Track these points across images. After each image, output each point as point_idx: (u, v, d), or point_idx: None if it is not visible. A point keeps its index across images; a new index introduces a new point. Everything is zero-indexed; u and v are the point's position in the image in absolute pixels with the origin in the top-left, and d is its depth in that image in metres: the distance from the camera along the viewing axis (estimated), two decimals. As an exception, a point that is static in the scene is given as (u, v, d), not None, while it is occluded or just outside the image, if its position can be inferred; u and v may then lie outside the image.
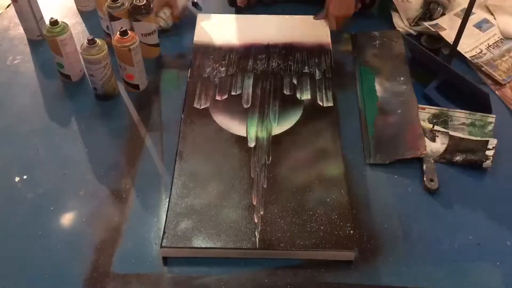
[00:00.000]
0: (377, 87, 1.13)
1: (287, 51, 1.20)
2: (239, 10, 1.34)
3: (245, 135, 1.00)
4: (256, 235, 0.84)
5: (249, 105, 1.07)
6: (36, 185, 0.95)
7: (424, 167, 0.97)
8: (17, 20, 1.25)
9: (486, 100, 1.07)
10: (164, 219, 0.87)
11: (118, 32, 1.04)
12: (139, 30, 1.14)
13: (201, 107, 1.06)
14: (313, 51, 1.20)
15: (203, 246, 0.83)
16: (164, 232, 0.84)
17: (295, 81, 1.12)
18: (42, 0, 1.25)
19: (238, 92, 1.09)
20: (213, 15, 1.30)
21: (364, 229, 0.89)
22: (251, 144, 0.99)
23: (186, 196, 0.90)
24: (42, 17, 1.24)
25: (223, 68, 1.15)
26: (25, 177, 0.96)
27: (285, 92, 1.10)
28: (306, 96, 1.09)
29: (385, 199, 0.94)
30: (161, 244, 0.83)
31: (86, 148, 1.02)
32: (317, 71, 1.15)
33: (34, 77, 1.18)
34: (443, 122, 1.06)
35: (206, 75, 1.13)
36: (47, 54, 1.20)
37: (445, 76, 1.12)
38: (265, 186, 0.92)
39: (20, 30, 1.26)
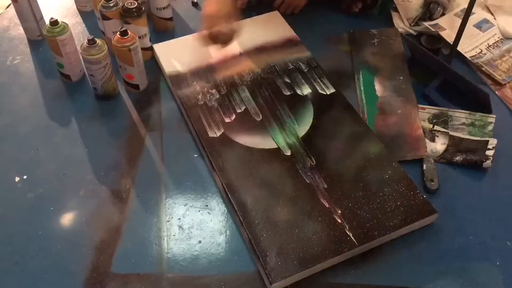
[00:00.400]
0: (377, 87, 1.12)
1: (261, 54, 1.16)
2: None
3: (276, 146, 0.98)
4: (348, 234, 0.84)
5: (261, 117, 1.03)
6: (36, 185, 0.95)
7: (424, 167, 0.97)
8: (17, 20, 1.25)
9: (486, 100, 1.07)
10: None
11: (118, 32, 1.04)
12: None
13: (218, 135, 1.00)
14: (285, 47, 1.18)
15: (310, 266, 0.80)
16: (265, 268, 0.80)
17: (287, 80, 1.11)
18: (42, 0, 1.25)
19: (242, 108, 1.05)
20: (168, 42, 1.20)
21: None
22: (287, 152, 0.96)
23: (262, 229, 0.85)
24: (42, 17, 1.24)
25: (214, 90, 1.08)
26: (25, 177, 0.96)
27: (284, 92, 1.08)
28: (306, 90, 1.08)
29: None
30: (269, 281, 0.79)
31: (86, 148, 1.02)
32: (300, 64, 1.14)
33: (34, 77, 1.18)
34: (443, 122, 1.06)
35: (202, 102, 1.06)
36: (47, 54, 1.20)
37: (445, 76, 1.12)
38: (325, 186, 0.91)
39: (20, 30, 1.26)
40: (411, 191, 0.89)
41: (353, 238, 0.83)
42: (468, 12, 1.12)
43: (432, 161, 0.98)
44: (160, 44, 1.20)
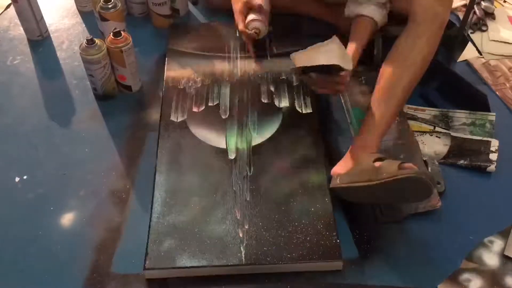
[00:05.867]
0: None
1: (264, 59, 1.16)
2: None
3: (225, 147, 0.98)
4: (242, 250, 0.82)
5: (227, 116, 1.03)
6: (36, 185, 0.95)
7: (429, 169, 0.97)
8: (17, 20, 1.25)
9: (484, 101, 1.07)
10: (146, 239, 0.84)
11: (111, 33, 1.04)
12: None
13: (178, 120, 1.03)
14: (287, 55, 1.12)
15: (188, 266, 0.81)
16: (146, 253, 0.81)
17: (272, 89, 1.09)
18: (42, 0, 1.25)
19: (215, 103, 1.06)
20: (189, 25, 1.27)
21: (364, 229, 0.89)
22: (232, 156, 0.96)
23: (168, 214, 0.87)
24: (42, 17, 1.24)
25: (199, 78, 1.11)
26: (25, 177, 0.96)
27: (263, 100, 1.07)
28: (284, 103, 1.06)
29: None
30: (144, 266, 0.80)
31: (86, 148, 1.02)
32: (293, 77, 1.11)
33: (34, 77, 1.17)
34: (444, 123, 1.06)
35: (182, 87, 1.09)
36: (47, 54, 1.20)
37: (444, 77, 1.12)
38: (248, 199, 0.89)
39: (20, 30, 1.26)
40: (328, 231, 0.84)
41: (243, 256, 0.81)
42: (468, 12, 1.12)
43: (437, 163, 0.98)
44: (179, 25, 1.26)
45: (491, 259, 0.86)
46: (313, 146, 0.98)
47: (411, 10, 0.92)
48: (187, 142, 0.99)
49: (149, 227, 0.85)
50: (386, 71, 0.93)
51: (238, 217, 0.87)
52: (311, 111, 1.04)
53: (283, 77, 1.12)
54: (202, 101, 1.07)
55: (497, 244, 0.88)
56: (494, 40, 1.27)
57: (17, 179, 0.96)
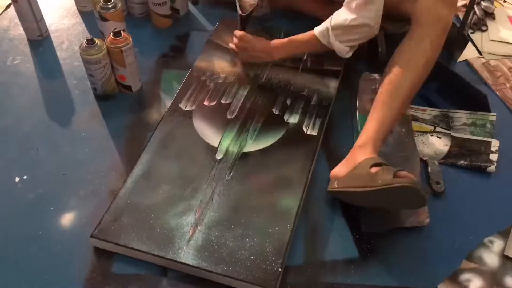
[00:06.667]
0: None
1: (294, 70, 1.14)
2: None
3: (217, 146, 0.98)
4: (184, 248, 0.82)
5: (233, 116, 1.04)
6: (36, 185, 0.95)
7: (429, 169, 0.97)
8: (17, 20, 1.25)
9: (484, 101, 1.07)
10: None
11: (111, 33, 1.04)
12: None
13: (186, 109, 1.04)
14: (320, 75, 1.13)
15: (129, 246, 0.82)
16: (99, 222, 0.84)
17: (288, 102, 1.07)
18: (42, 0, 1.25)
19: (228, 101, 1.06)
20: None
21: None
22: (219, 156, 0.96)
23: (136, 193, 0.89)
24: (42, 17, 1.24)
25: (223, 75, 1.12)
26: (25, 177, 0.96)
27: (274, 111, 1.05)
28: (293, 119, 1.03)
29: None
30: (91, 233, 0.83)
31: (86, 148, 1.02)
32: (314, 96, 1.09)
33: (34, 77, 1.17)
34: (444, 123, 1.06)
35: (204, 78, 1.12)
36: (47, 54, 1.20)
37: (445, 77, 1.12)
38: (213, 201, 0.89)
39: (20, 30, 1.26)
40: (274, 257, 0.81)
41: (182, 254, 0.81)
42: (468, 13, 1.12)
43: (437, 163, 0.98)
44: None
45: (491, 259, 0.86)
46: (300, 171, 0.94)
47: (415, 12, 0.92)
48: (184, 131, 1.00)
49: (114, 198, 0.88)
50: (389, 74, 0.93)
51: (196, 216, 0.86)
52: (316, 134, 1.01)
53: (304, 93, 1.09)
54: (216, 96, 1.08)
55: (497, 244, 0.88)
56: (494, 40, 1.27)
57: (17, 179, 0.96)
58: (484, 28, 1.30)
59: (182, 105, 1.05)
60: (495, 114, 1.06)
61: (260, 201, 0.90)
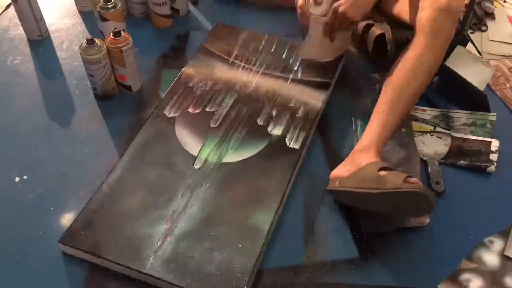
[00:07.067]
0: None
1: (283, 82, 1.11)
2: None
3: (196, 155, 0.96)
4: (150, 259, 0.80)
5: (216, 125, 1.01)
6: (36, 185, 0.95)
7: (429, 169, 0.97)
8: (17, 20, 1.25)
9: (484, 101, 1.07)
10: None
11: (111, 33, 1.04)
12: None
13: (169, 115, 1.03)
14: (310, 87, 1.10)
15: (96, 254, 0.81)
16: (69, 226, 0.84)
17: (274, 113, 1.04)
18: (42, 0, 1.25)
19: (212, 109, 1.04)
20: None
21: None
22: (197, 165, 0.94)
23: (110, 198, 0.88)
24: (42, 17, 1.23)
25: (211, 82, 1.09)
26: (25, 177, 0.96)
27: (258, 121, 1.02)
28: (276, 131, 1.00)
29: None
30: (60, 238, 0.83)
31: (86, 148, 1.02)
32: (302, 107, 1.05)
33: (34, 77, 1.17)
34: (444, 123, 1.06)
35: (191, 84, 1.09)
36: (47, 54, 1.20)
37: (445, 77, 1.12)
38: (186, 212, 0.87)
39: (20, 30, 1.26)
40: (242, 273, 0.79)
41: (147, 264, 0.79)
42: (468, 13, 1.12)
43: (437, 163, 0.98)
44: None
45: (491, 259, 0.86)
46: (277, 186, 0.91)
47: (419, 23, 0.92)
48: (165, 138, 0.99)
49: (87, 202, 0.87)
50: (392, 80, 0.94)
51: (167, 226, 0.85)
52: (298, 147, 0.98)
53: (291, 104, 1.06)
54: (201, 104, 1.05)
55: (497, 244, 0.88)
56: (494, 40, 1.27)
57: (17, 179, 0.96)
58: (484, 28, 1.30)
59: (166, 111, 1.03)
60: (495, 114, 1.06)
61: (233, 214, 0.87)
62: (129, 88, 1.11)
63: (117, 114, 1.09)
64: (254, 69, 1.14)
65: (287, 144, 0.98)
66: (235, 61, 1.15)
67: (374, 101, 0.96)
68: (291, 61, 1.15)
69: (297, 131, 1.01)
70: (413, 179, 0.81)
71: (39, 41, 1.25)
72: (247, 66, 1.14)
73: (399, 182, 0.79)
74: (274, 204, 0.88)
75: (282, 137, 1.00)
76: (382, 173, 0.83)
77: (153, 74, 1.17)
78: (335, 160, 0.98)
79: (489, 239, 0.88)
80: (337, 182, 0.90)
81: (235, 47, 1.19)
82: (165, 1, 1.24)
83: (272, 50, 1.17)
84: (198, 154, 0.96)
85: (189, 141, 0.98)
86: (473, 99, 1.08)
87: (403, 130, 1.02)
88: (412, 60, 0.92)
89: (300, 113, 1.04)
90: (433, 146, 1.02)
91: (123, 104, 1.11)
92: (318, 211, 0.92)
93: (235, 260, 0.81)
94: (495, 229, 0.90)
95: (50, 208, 0.91)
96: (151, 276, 0.79)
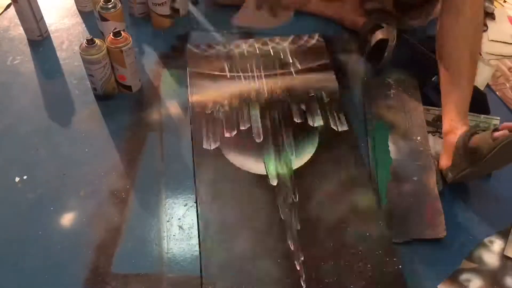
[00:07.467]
0: (391, 147, 1.00)
1: (287, 75, 1.12)
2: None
3: (265, 173, 0.94)
4: (302, 285, 0.78)
5: (261, 139, 0.99)
6: (36, 185, 0.95)
7: None
8: (17, 20, 1.25)
9: (483, 100, 1.07)
10: (198, 265, 0.81)
11: (111, 33, 1.04)
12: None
13: (212, 148, 0.98)
14: (315, 72, 1.12)
15: None
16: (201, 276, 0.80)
17: (303, 107, 1.05)
18: (42, 0, 1.25)
19: (247, 126, 1.02)
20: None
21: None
22: (274, 182, 0.92)
23: (217, 251, 0.83)
24: (42, 17, 1.23)
25: (226, 101, 1.07)
26: (25, 177, 0.96)
27: (295, 120, 1.02)
28: (318, 122, 1.02)
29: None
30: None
31: (86, 148, 1.02)
32: (323, 93, 1.07)
33: (34, 77, 1.17)
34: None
35: (209, 111, 1.05)
36: (47, 54, 1.20)
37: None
38: (298, 228, 0.85)
39: (20, 30, 1.26)
40: (388, 257, 0.80)
41: None
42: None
43: (437, 163, 0.98)
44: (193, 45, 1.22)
45: (491, 259, 0.86)
46: (355, 166, 0.94)
47: None
48: (225, 170, 0.94)
49: (200, 269, 0.82)
50: (443, 56, 0.95)
51: (292, 249, 0.82)
52: (347, 128, 1.00)
53: (312, 94, 1.07)
54: (233, 125, 1.02)
55: (497, 244, 0.88)
56: (494, 40, 1.27)
57: (17, 179, 0.96)
58: (484, 28, 1.30)
59: (205, 146, 0.98)
60: (498, 118, 1.05)
61: (339, 209, 0.87)
62: (129, 88, 1.11)
63: (117, 114, 1.08)
64: (255, 75, 1.13)
65: (337, 130, 1.01)
66: (233, 74, 1.14)
67: (390, 107, 1.00)
68: (282, 55, 1.15)
69: (335, 114, 1.04)
70: (498, 133, 0.83)
71: (39, 41, 1.25)
72: (246, 74, 1.13)
73: (491, 143, 0.82)
74: (366, 183, 0.92)
75: (327, 126, 1.02)
76: (473, 143, 0.86)
77: (153, 74, 1.17)
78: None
79: (489, 239, 0.88)
80: (449, 172, 0.92)
81: (221, 61, 1.17)
82: (165, 1, 1.24)
83: (257, 52, 1.17)
84: (267, 172, 0.94)
85: (248, 163, 0.96)
86: (473, 98, 1.08)
87: (419, 138, 1.01)
88: (453, 27, 0.93)
89: (325, 99, 1.07)
90: (434, 146, 1.01)
91: (123, 104, 1.11)
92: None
93: (375, 248, 0.82)
94: (495, 229, 0.90)
95: (50, 208, 0.91)
96: None
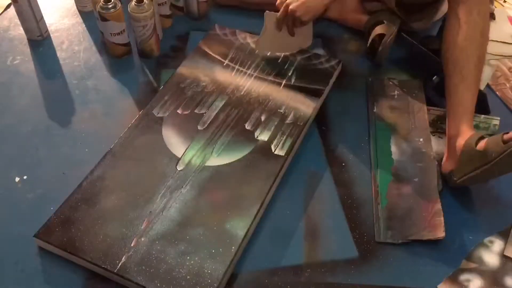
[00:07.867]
0: (393, 148, 1.00)
1: (275, 87, 1.10)
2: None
3: (180, 156, 0.95)
4: (122, 259, 0.80)
5: (203, 128, 1.00)
6: (36, 185, 0.95)
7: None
8: (17, 20, 1.25)
9: (484, 100, 1.07)
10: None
11: (134, 0, 1.10)
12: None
13: (158, 115, 1.02)
14: (302, 93, 1.08)
15: (68, 251, 0.81)
16: (46, 221, 0.84)
17: (263, 118, 1.02)
18: (42, 0, 1.25)
19: (202, 111, 1.03)
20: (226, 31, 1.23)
21: (364, 229, 0.89)
22: (180, 167, 0.93)
23: (90, 195, 0.88)
24: (42, 17, 1.23)
25: (203, 83, 1.09)
26: (25, 177, 0.96)
27: (246, 126, 1.01)
28: (263, 137, 0.98)
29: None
30: (36, 232, 0.83)
31: (86, 148, 1.02)
32: (292, 114, 1.03)
33: (34, 77, 1.17)
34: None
35: (183, 85, 1.08)
36: (47, 54, 1.20)
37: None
38: (163, 213, 0.86)
39: (20, 30, 1.26)
40: (211, 279, 0.78)
41: (118, 265, 0.79)
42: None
43: (436, 163, 0.98)
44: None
45: (491, 259, 0.86)
46: (257, 193, 0.90)
47: None
48: (150, 138, 0.98)
49: (67, 198, 0.87)
50: (450, 56, 0.95)
51: (142, 227, 0.84)
52: (283, 154, 0.96)
53: (281, 110, 1.04)
54: (191, 105, 1.04)
55: (497, 244, 0.88)
56: (494, 40, 1.27)
57: (17, 179, 0.96)
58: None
59: (155, 111, 1.03)
60: (499, 118, 1.05)
61: (210, 218, 0.86)
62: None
63: (117, 114, 1.09)
64: (248, 72, 1.13)
65: (273, 151, 0.97)
66: (230, 63, 1.15)
67: (394, 108, 1.00)
68: (286, 66, 1.14)
69: (284, 137, 0.99)
70: (508, 136, 0.83)
71: (39, 41, 1.25)
72: (241, 69, 1.13)
73: (501, 146, 0.82)
74: (252, 210, 0.87)
75: (268, 143, 0.98)
76: (482, 145, 0.85)
77: (153, 74, 1.17)
78: (335, 160, 0.98)
79: (489, 239, 0.88)
80: (453, 176, 0.92)
81: (231, 49, 1.18)
82: (165, 1, 1.24)
83: (268, 53, 1.17)
84: (182, 156, 0.95)
85: (175, 142, 0.97)
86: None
87: (421, 140, 1.01)
88: (460, 31, 0.93)
89: (289, 120, 1.02)
90: (434, 146, 1.01)
91: (123, 105, 1.11)
92: (318, 211, 0.92)
93: (206, 265, 0.80)
94: (495, 229, 0.90)
95: (50, 208, 0.91)
96: (121, 276, 0.78)
